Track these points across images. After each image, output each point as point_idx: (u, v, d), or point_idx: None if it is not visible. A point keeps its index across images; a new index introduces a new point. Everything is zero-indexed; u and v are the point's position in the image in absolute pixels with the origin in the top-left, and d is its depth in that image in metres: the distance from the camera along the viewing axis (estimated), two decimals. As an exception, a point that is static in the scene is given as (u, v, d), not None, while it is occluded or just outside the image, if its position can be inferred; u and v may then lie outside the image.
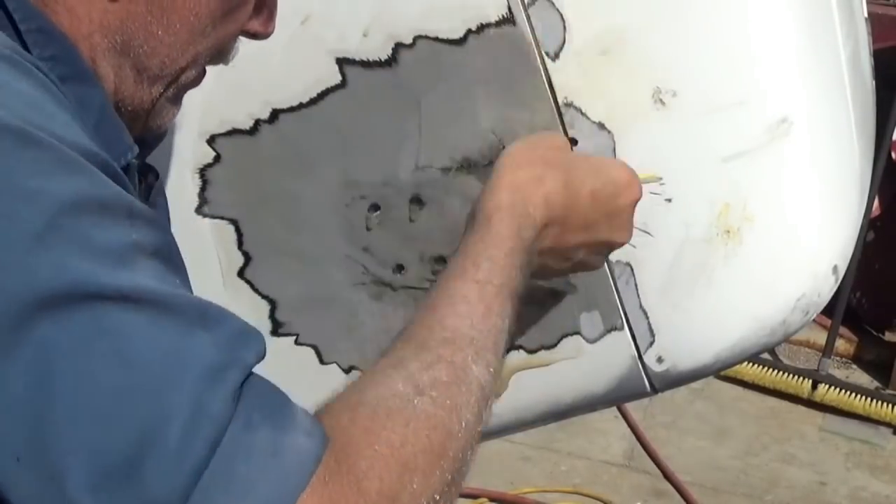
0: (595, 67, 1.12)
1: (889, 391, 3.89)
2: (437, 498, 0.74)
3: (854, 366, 4.14)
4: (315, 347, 1.26)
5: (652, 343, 1.18)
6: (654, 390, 1.21)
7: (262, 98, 1.17)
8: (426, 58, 1.13)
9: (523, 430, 1.34)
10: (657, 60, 1.11)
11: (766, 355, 3.80)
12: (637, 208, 1.08)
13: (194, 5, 0.85)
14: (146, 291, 0.68)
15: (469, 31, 1.11)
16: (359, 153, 1.18)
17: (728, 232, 1.13)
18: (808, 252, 1.15)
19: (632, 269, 1.16)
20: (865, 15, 1.41)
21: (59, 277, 0.65)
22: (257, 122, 1.18)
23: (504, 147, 1.11)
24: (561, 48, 1.12)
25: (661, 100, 1.11)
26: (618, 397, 1.26)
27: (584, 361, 1.21)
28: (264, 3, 0.94)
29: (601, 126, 1.13)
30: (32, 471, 0.65)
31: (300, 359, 1.25)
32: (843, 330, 3.96)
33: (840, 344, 4.01)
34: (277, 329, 1.25)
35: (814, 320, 1.46)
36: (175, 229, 0.96)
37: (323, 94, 1.16)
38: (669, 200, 1.13)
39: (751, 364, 3.84)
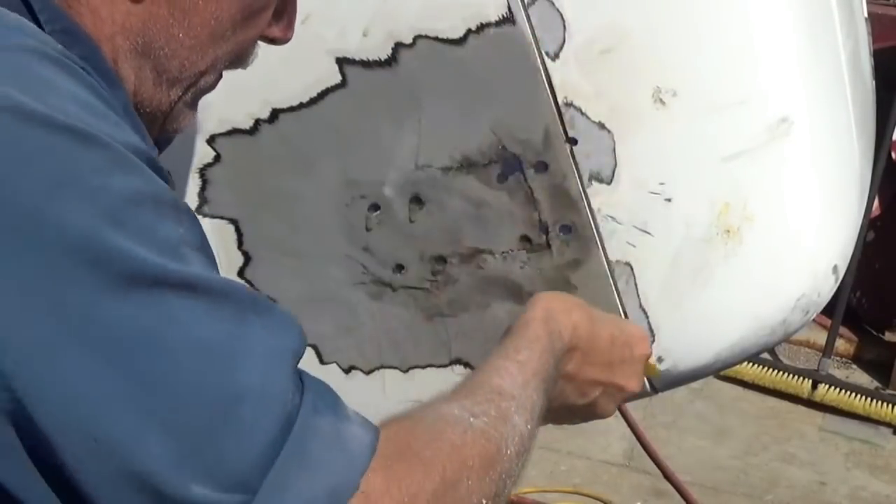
0: (595, 67, 1.12)
1: (889, 391, 3.89)
2: (486, 503, 0.80)
3: (854, 366, 4.14)
4: (315, 347, 1.26)
5: (652, 343, 1.17)
6: (654, 390, 1.21)
7: (262, 98, 1.17)
8: (426, 58, 1.13)
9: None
10: (657, 60, 1.11)
11: (766, 355, 3.80)
12: (637, 208, 1.08)
13: (216, 9, 0.86)
14: (201, 279, 0.71)
15: (469, 31, 1.11)
16: (359, 153, 1.18)
17: (728, 231, 1.13)
18: (808, 252, 1.15)
19: (632, 269, 1.16)
20: (865, 15, 1.42)
21: (127, 263, 0.68)
22: (257, 122, 1.18)
23: (504, 147, 1.13)
24: (561, 48, 1.12)
25: (661, 100, 1.11)
26: (618, 397, 1.26)
27: (584, 361, 1.21)
28: (285, 9, 0.95)
29: (601, 126, 1.13)
30: (111, 450, 0.66)
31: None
32: (843, 330, 3.96)
33: (840, 344, 4.01)
34: (277, 329, 1.25)
35: (814, 320, 1.46)
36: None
37: (323, 94, 1.16)
38: (669, 200, 1.13)
39: (751, 364, 3.84)
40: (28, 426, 0.66)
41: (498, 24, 1.11)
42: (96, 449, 0.66)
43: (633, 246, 1.14)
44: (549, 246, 1.17)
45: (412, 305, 1.22)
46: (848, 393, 3.79)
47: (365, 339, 1.24)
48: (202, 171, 1.21)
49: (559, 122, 1.13)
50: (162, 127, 0.92)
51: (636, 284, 1.16)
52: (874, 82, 1.44)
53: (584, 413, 1.12)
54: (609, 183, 1.14)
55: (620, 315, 1.17)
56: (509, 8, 1.10)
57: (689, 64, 1.11)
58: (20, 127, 0.67)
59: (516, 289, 1.19)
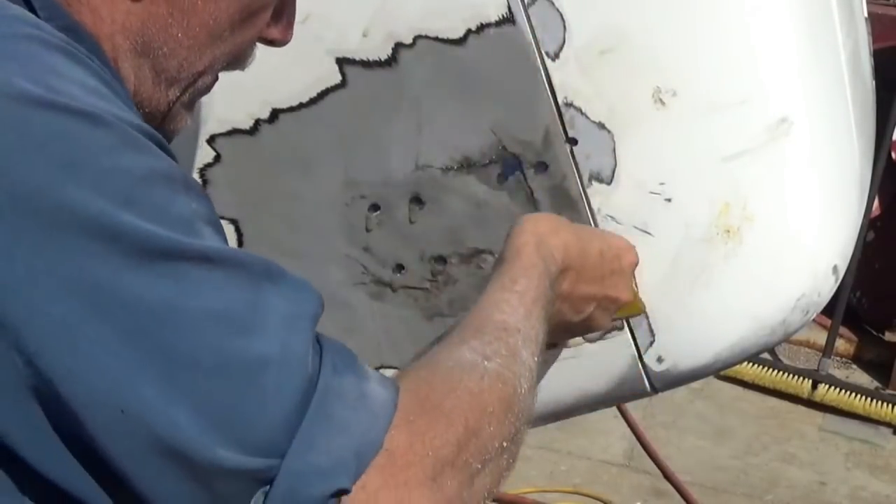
0: (595, 67, 1.12)
1: (889, 391, 3.89)
2: (506, 446, 0.81)
3: (854, 366, 4.14)
4: (315, 347, 1.26)
5: (652, 343, 1.18)
6: (654, 390, 1.21)
7: (262, 98, 1.17)
8: (426, 58, 1.13)
9: (523, 430, 1.34)
10: (657, 60, 1.11)
11: (766, 355, 3.80)
12: (637, 208, 1.08)
13: (214, 10, 0.86)
14: (218, 252, 0.72)
15: (469, 31, 1.12)
16: (359, 153, 1.18)
17: (728, 231, 1.13)
18: (808, 252, 1.15)
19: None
20: (865, 15, 1.42)
21: (146, 237, 0.69)
22: (257, 122, 1.18)
23: (504, 147, 1.13)
24: (561, 48, 1.12)
25: (661, 100, 1.11)
26: (618, 397, 1.26)
27: (584, 361, 1.21)
28: (283, 10, 0.95)
29: (601, 126, 1.13)
30: (138, 421, 0.67)
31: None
32: (843, 330, 3.96)
33: (840, 344, 4.01)
34: (277, 329, 1.25)
35: (814, 320, 1.46)
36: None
37: (323, 94, 1.16)
38: (669, 200, 1.13)
39: (751, 364, 3.84)
40: (55, 403, 0.67)
41: (498, 24, 1.11)
42: (123, 420, 0.67)
43: (633, 246, 1.14)
44: (549, 246, 1.17)
45: (412, 305, 1.22)
46: (848, 393, 3.79)
47: (365, 339, 1.24)
48: (202, 171, 1.21)
49: (559, 122, 1.13)
50: (159, 127, 0.92)
51: (636, 284, 1.16)
52: (874, 82, 1.44)
53: (581, 329, 1.13)
54: (609, 183, 1.14)
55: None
56: (509, 8, 1.10)
57: (689, 64, 1.11)
58: (27, 112, 0.68)
59: (516, 289, 1.19)
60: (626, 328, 1.18)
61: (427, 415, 0.76)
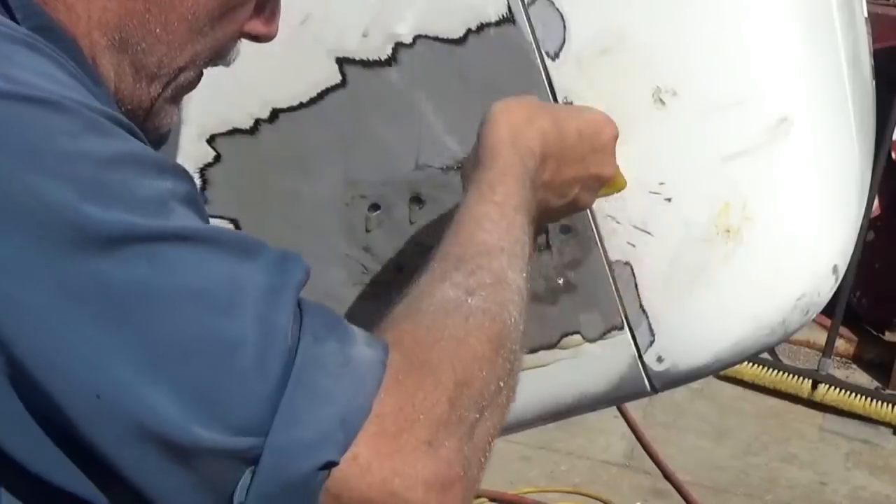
0: (595, 67, 1.12)
1: (889, 391, 3.89)
2: (502, 385, 0.80)
3: (854, 366, 4.14)
4: (315, 347, 1.26)
5: (652, 343, 1.18)
6: (654, 390, 1.21)
7: (262, 98, 1.17)
8: (426, 58, 1.13)
9: (523, 430, 1.34)
10: (657, 60, 1.11)
11: (766, 355, 3.80)
12: (637, 208, 1.08)
13: (192, 4, 0.86)
14: (192, 229, 0.71)
15: (469, 31, 1.12)
16: (359, 153, 1.18)
17: (728, 231, 1.13)
18: (808, 252, 1.15)
19: (632, 269, 1.16)
20: (865, 15, 1.42)
21: (114, 224, 0.68)
22: (257, 122, 1.18)
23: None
24: (561, 48, 1.12)
25: (661, 100, 1.11)
26: (618, 397, 1.26)
27: (584, 361, 1.21)
28: (266, 3, 0.94)
29: (601, 126, 1.13)
30: (118, 406, 0.66)
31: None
32: (843, 330, 3.96)
33: (840, 344, 4.01)
34: (277, 329, 1.25)
35: (814, 320, 1.46)
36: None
37: (323, 94, 1.16)
38: (669, 200, 1.13)
39: (751, 364, 3.84)
40: (32, 391, 0.67)
41: (498, 24, 1.11)
42: (100, 406, 0.66)
43: (633, 246, 1.14)
44: (549, 246, 1.17)
45: (412, 305, 1.22)
46: (848, 393, 3.79)
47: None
48: (202, 171, 1.21)
49: (559, 122, 1.13)
50: (143, 125, 0.92)
51: (636, 284, 1.16)
52: (874, 82, 1.44)
53: (567, 211, 1.10)
54: (609, 183, 1.14)
55: (620, 315, 1.17)
56: (509, 8, 1.10)
57: (688, 64, 1.11)
58: None
59: (516, 289, 1.19)
60: (626, 328, 1.18)
61: (414, 373, 0.74)
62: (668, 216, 1.13)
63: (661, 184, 1.12)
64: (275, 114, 1.18)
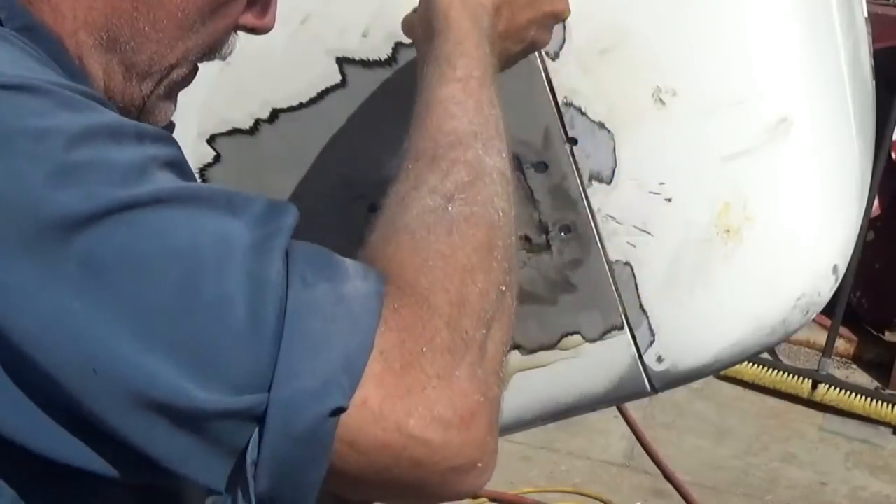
0: (595, 67, 1.12)
1: (889, 391, 3.89)
2: (504, 289, 0.76)
3: (854, 366, 4.14)
4: (315, 347, 1.26)
5: (652, 343, 1.18)
6: (654, 390, 1.21)
7: (262, 98, 1.17)
8: (426, 57, 1.13)
9: (523, 430, 1.34)
10: (657, 60, 1.11)
11: (766, 355, 3.80)
12: (637, 208, 1.08)
13: (181, 1, 0.84)
14: (172, 190, 0.70)
15: (469, 31, 1.11)
16: (359, 153, 1.18)
17: (728, 231, 1.13)
18: (808, 252, 1.15)
19: (632, 269, 1.16)
20: (865, 15, 1.42)
21: (87, 201, 0.66)
22: (257, 122, 1.18)
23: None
24: (561, 48, 1.12)
25: (661, 99, 1.11)
26: (618, 397, 1.26)
27: (584, 361, 1.21)
28: None
29: (601, 126, 1.13)
30: (113, 379, 0.66)
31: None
32: (843, 330, 3.96)
33: (840, 344, 4.01)
34: (277, 329, 1.25)
35: (814, 320, 1.46)
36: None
37: (323, 94, 1.16)
38: (669, 200, 1.13)
39: (751, 364, 3.84)
40: (31, 374, 0.66)
41: (498, 24, 1.11)
42: (98, 380, 0.66)
43: (633, 246, 1.14)
44: (549, 246, 1.17)
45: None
46: (848, 393, 3.79)
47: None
48: (202, 171, 1.21)
49: (559, 122, 1.13)
50: (138, 121, 0.91)
51: (636, 284, 1.16)
52: (874, 82, 1.44)
53: (525, 53, 1.07)
54: (609, 183, 1.14)
55: (620, 315, 1.17)
56: (509, 8, 1.10)
57: (689, 64, 1.11)
58: None
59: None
60: (626, 328, 1.18)
61: (408, 301, 0.72)
62: (668, 216, 1.13)
63: (661, 184, 1.12)
64: (275, 114, 1.18)
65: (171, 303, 0.66)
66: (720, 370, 1.26)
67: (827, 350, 3.85)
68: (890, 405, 3.76)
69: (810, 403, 3.85)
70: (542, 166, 1.14)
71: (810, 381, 3.83)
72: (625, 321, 1.18)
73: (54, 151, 0.67)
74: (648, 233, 1.14)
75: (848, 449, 3.70)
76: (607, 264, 1.16)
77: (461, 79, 0.89)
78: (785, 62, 1.13)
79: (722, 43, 1.11)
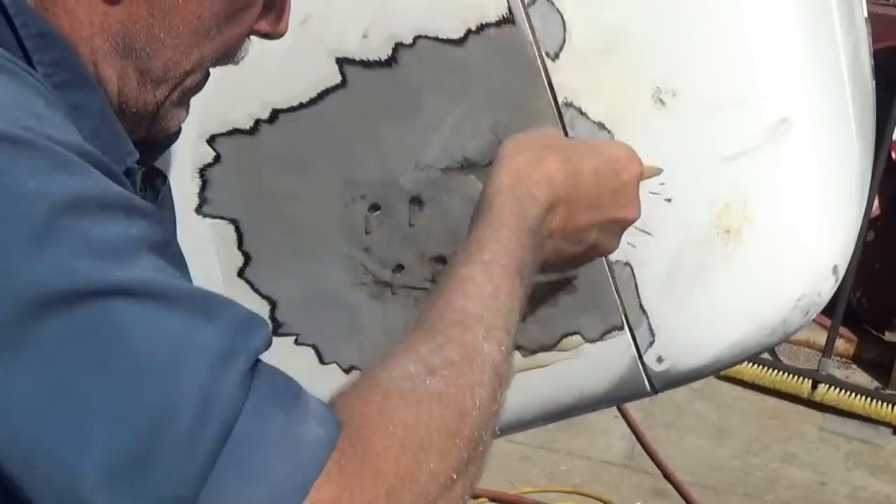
0: (595, 67, 1.12)
1: (889, 391, 3.89)
2: (455, 477, 0.74)
3: (854, 366, 4.14)
4: (315, 347, 1.26)
5: (652, 343, 1.18)
6: (654, 390, 1.21)
7: (262, 98, 1.17)
8: (426, 58, 1.13)
9: (523, 430, 1.34)
10: (657, 60, 1.11)
11: (766, 355, 3.80)
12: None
13: (197, 8, 0.84)
14: (146, 283, 0.68)
15: (469, 31, 1.11)
16: (359, 153, 1.18)
17: (728, 231, 1.13)
18: (808, 252, 1.15)
19: (632, 269, 1.16)
20: (865, 15, 1.41)
21: (60, 277, 0.65)
22: (257, 122, 1.18)
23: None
24: (561, 48, 1.12)
25: (661, 100, 1.11)
26: (618, 397, 1.26)
27: (584, 361, 1.21)
28: (274, 2, 0.93)
29: (601, 126, 1.13)
30: (43, 471, 0.64)
31: (300, 359, 1.25)
32: (843, 330, 3.96)
33: (840, 344, 4.01)
34: (277, 329, 1.25)
35: (814, 320, 1.46)
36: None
37: (323, 94, 1.16)
38: (669, 200, 1.13)
39: (751, 364, 3.84)
40: None
41: (498, 24, 1.11)
42: (29, 470, 0.64)
43: (633, 246, 1.14)
44: (549, 246, 1.17)
45: (412, 306, 1.22)
46: (848, 393, 3.79)
47: (365, 339, 1.24)
48: (202, 171, 1.21)
49: (559, 122, 1.13)
50: (150, 127, 0.91)
51: (636, 284, 1.16)
52: (874, 82, 1.44)
53: (587, 257, 1.05)
54: (609, 183, 1.14)
55: (620, 315, 1.17)
56: (509, 8, 1.10)
57: (688, 64, 1.11)
58: None
59: (516, 289, 1.18)
60: (626, 328, 1.18)
61: (356, 460, 0.69)
62: (668, 216, 1.13)
63: (661, 184, 1.12)
64: (275, 114, 1.18)
65: (114, 408, 0.64)
66: (720, 370, 1.26)
67: (827, 350, 3.85)
68: (890, 405, 3.76)
69: (810, 403, 3.85)
70: (542, 166, 1.14)
71: (810, 381, 3.83)
72: (625, 321, 1.18)
73: (37, 217, 0.65)
74: (648, 233, 1.14)
75: (848, 449, 3.70)
76: (607, 264, 1.16)
77: (486, 262, 0.87)
78: (785, 62, 1.13)
79: (722, 43, 1.11)
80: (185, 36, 0.85)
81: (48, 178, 0.67)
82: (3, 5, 0.77)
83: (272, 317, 1.25)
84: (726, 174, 1.12)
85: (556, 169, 0.96)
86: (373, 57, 1.14)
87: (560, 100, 1.13)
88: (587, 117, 1.13)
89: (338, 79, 1.15)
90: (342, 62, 1.15)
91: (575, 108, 1.13)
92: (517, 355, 1.21)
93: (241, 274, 1.25)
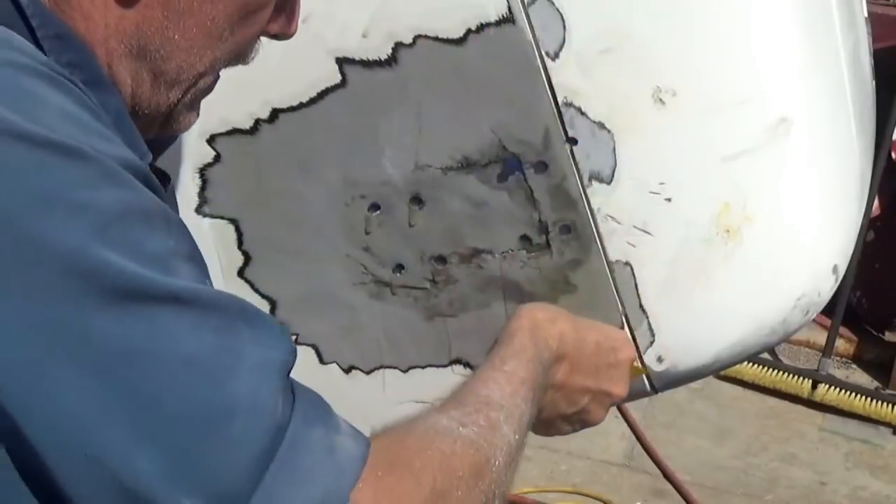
0: (595, 67, 1.12)
1: (889, 391, 3.89)
2: None
3: (854, 366, 4.14)
4: (315, 347, 1.26)
5: (652, 343, 1.18)
6: (654, 390, 1.21)
7: (262, 98, 1.17)
8: (426, 57, 1.13)
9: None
10: (657, 60, 1.11)
11: (766, 355, 3.80)
12: (637, 208, 1.08)
13: (211, 10, 0.85)
14: (191, 292, 0.71)
15: (469, 31, 1.11)
16: (359, 153, 1.18)
17: (728, 231, 1.13)
18: (808, 252, 1.15)
19: (632, 269, 1.16)
20: (865, 15, 1.41)
21: (115, 278, 0.67)
22: (257, 122, 1.18)
23: (504, 147, 1.13)
24: (561, 48, 1.12)
25: (661, 99, 1.11)
26: (618, 397, 1.26)
27: (584, 361, 1.21)
28: (285, 3, 0.93)
29: (601, 126, 1.13)
30: (101, 468, 0.66)
31: (300, 359, 1.24)
32: (843, 330, 3.96)
33: (840, 344, 4.01)
34: (277, 329, 1.25)
35: (814, 320, 1.46)
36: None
37: (323, 94, 1.16)
38: (669, 200, 1.13)
39: (751, 364, 3.84)
40: (21, 445, 0.66)
41: (498, 24, 1.11)
42: (87, 465, 0.66)
43: (633, 246, 1.14)
44: (549, 246, 1.17)
45: (412, 305, 1.22)
46: (848, 393, 3.79)
47: (365, 338, 1.24)
48: (202, 171, 1.21)
49: (559, 122, 1.13)
50: (161, 129, 0.91)
51: (636, 284, 1.16)
52: (874, 82, 1.44)
53: (575, 420, 1.13)
54: (609, 183, 1.14)
55: (620, 315, 1.17)
56: (509, 8, 1.10)
57: (689, 64, 1.11)
58: (5, 144, 0.67)
59: (516, 289, 1.19)
60: (626, 328, 1.18)
61: (396, 472, 0.75)
62: (668, 216, 1.13)
63: (661, 184, 1.12)
64: (275, 114, 1.18)
65: (172, 406, 0.68)
66: (720, 370, 1.26)
67: (827, 350, 3.85)
68: (890, 405, 3.76)
69: (810, 403, 3.85)
70: (542, 166, 1.14)
71: (810, 381, 3.83)
72: (625, 321, 1.18)
73: (92, 226, 0.68)
74: (648, 233, 1.14)
75: (848, 449, 3.69)
76: (607, 264, 1.16)
77: (507, 372, 0.97)
78: (785, 62, 1.13)
79: (722, 43, 1.11)
80: (199, 38, 0.86)
81: (98, 189, 0.69)
82: (21, 6, 0.78)
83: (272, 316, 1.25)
84: (726, 174, 1.12)
85: (567, 329, 1.08)
86: (373, 56, 1.14)
87: (560, 99, 1.13)
88: (587, 117, 1.13)
89: (338, 78, 1.15)
90: (342, 62, 1.15)
91: (575, 107, 1.13)
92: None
93: (241, 274, 1.25)
